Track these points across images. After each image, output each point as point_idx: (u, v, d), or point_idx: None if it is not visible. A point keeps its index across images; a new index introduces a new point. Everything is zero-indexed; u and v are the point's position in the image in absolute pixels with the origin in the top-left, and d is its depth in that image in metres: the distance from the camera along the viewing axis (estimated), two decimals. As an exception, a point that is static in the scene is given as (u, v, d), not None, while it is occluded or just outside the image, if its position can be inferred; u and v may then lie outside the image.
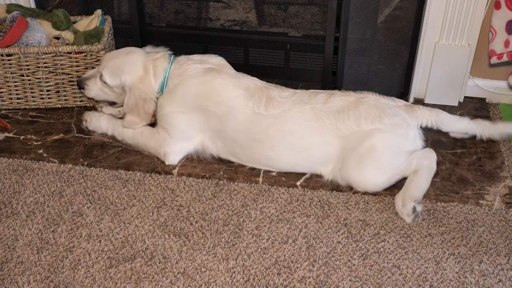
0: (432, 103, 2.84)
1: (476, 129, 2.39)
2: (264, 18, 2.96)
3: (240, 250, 2.12)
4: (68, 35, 2.78)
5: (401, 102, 2.40)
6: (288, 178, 2.42)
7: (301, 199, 2.34)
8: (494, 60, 2.59)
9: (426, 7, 2.62)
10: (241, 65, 2.95)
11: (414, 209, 2.20)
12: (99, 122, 2.61)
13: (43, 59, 2.65)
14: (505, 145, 2.61)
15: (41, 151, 2.55)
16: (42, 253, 2.12)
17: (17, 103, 2.78)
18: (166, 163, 2.48)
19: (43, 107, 2.80)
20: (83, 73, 2.65)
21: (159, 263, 2.08)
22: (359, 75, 2.76)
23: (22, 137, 2.64)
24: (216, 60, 2.49)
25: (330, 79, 2.73)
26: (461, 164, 2.49)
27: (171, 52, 2.52)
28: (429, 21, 2.64)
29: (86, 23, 2.84)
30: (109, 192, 2.38)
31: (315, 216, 2.26)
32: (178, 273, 2.04)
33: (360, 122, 2.29)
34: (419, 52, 2.73)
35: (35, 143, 2.60)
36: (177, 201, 2.34)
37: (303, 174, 2.43)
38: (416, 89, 2.86)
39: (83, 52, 2.66)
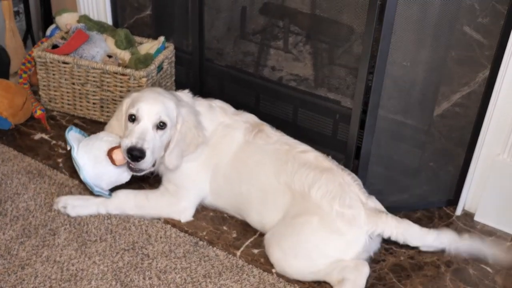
0: (483, 222, 2.37)
1: (445, 243, 2.11)
2: (324, 80, 2.72)
3: (171, 324, 1.95)
4: (126, 55, 2.82)
5: (374, 203, 2.11)
6: (267, 260, 2.18)
7: (267, 289, 2.09)
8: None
9: (489, 110, 2.17)
10: (289, 124, 2.74)
11: None
12: (84, 208, 2.35)
13: (92, 73, 2.72)
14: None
15: (60, 160, 2.61)
16: (-2, 261, 2.16)
17: (67, 108, 2.89)
18: (183, 221, 2.34)
19: (88, 118, 2.88)
20: (131, 143, 2.15)
21: (89, 309, 2.00)
22: (395, 162, 2.38)
23: (53, 142, 2.73)
24: (219, 103, 2.45)
25: (352, 155, 2.42)
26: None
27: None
28: (490, 128, 2.19)
29: (148, 47, 2.86)
30: (92, 219, 2.34)
31: (270, 314, 2.00)
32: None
33: (313, 187, 2.08)
34: (475, 160, 2.28)
35: (60, 151, 2.67)
36: (146, 249, 2.23)
37: (285, 261, 2.17)
38: (466, 201, 2.39)
39: (126, 75, 2.67)
